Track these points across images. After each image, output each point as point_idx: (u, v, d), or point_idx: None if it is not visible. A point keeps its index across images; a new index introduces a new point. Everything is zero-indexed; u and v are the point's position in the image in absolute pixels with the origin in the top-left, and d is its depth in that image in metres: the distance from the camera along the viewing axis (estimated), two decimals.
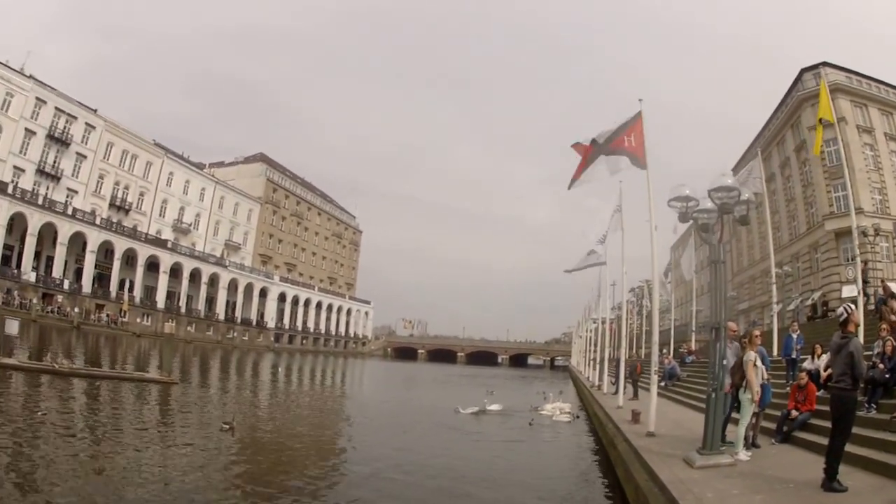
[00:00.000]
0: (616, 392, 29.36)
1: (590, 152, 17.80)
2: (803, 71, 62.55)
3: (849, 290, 41.34)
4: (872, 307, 27.21)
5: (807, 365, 18.30)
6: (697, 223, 14.04)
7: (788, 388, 17.52)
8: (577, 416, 32.74)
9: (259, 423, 23.77)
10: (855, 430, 11.80)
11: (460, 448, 21.28)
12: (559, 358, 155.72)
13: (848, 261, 52.06)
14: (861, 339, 20.13)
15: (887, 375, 14.55)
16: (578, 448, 23.58)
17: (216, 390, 36.03)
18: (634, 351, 75.79)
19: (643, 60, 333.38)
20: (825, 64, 58.79)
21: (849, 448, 10.98)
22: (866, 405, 14.25)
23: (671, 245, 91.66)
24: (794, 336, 21.96)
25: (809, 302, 58.28)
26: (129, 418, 21.27)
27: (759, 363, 14.10)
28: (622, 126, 17.67)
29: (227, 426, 19.88)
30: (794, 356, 21.46)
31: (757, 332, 15.18)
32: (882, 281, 33.76)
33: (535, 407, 34.69)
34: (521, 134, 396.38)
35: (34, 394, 23.53)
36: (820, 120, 25.47)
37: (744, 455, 13.27)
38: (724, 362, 13.36)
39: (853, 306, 10.77)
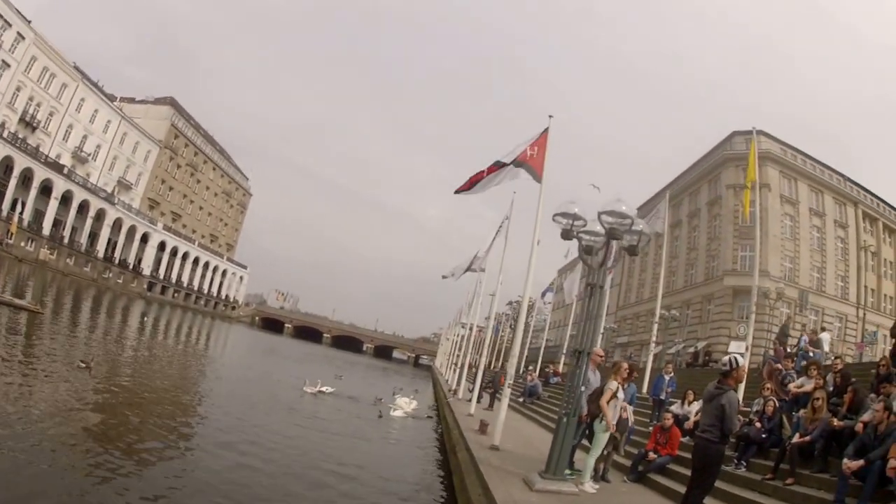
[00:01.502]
0: (471, 400, 28.90)
1: (493, 172, 17.65)
2: (735, 133, 63.83)
3: (736, 346, 41.78)
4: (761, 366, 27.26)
5: (675, 409, 17.99)
6: (581, 243, 13.50)
7: (651, 429, 17.10)
8: (430, 417, 32.80)
9: (118, 370, 23.90)
10: (721, 485, 11.57)
11: (304, 436, 20.04)
12: (425, 357, 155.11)
13: (742, 318, 52.73)
14: (741, 395, 19.89)
15: (764, 435, 14.09)
16: (421, 450, 23.08)
17: (82, 328, 36.35)
18: (501, 363, 75.67)
19: (571, 86, 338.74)
20: (760, 132, 59.58)
21: (708, 501, 10.44)
22: (735, 461, 13.88)
23: (559, 268, 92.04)
24: (667, 378, 21.70)
25: (692, 349, 58.95)
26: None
27: (619, 394, 13.40)
28: (528, 140, 17.47)
29: (84, 364, 20.60)
30: (662, 397, 21.24)
31: (626, 365, 14.32)
32: (774, 342, 33.92)
33: (379, 398, 34.50)
34: (429, 130, 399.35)
35: None
36: (749, 185, 25.09)
37: (590, 487, 12.69)
38: (583, 388, 12.92)
39: (741, 360, 10.02)
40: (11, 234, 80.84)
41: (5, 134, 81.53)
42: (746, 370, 21.04)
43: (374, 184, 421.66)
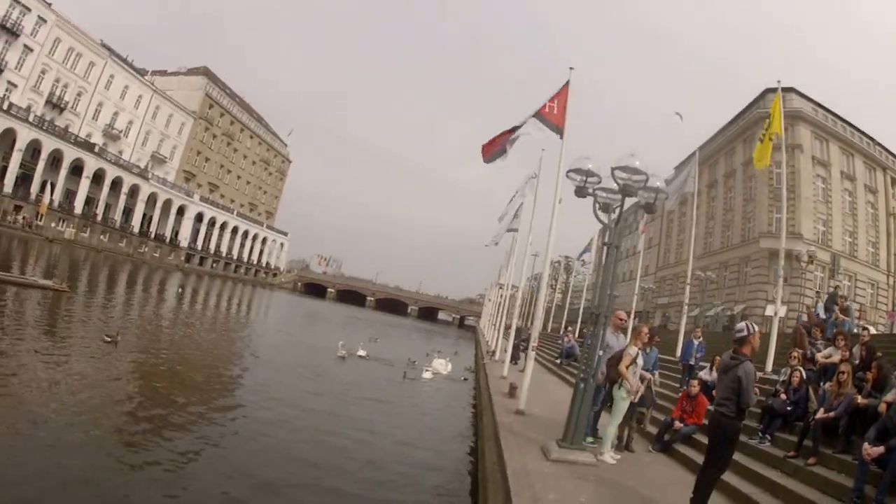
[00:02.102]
0: (513, 361, 28.81)
1: (512, 135, 16.84)
2: (767, 91, 62.42)
3: (771, 310, 41.04)
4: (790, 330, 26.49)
5: (703, 374, 17.08)
6: (597, 201, 12.82)
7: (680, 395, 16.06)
8: (466, 379, 32.17)
9: (151, 343, 24.38)
10: (743, 460, 10.98)
11: (326, 402, 19.83)
12: (470, 318, 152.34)
13: (784, 281, 51.71)
14: (770, 364, 19.15)
15: (789, 408, 13.01)
16: (451, 413, 22.78)
17: (114, 303, 36.62)
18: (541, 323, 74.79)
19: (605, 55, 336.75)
20: (792, 89, 58.43)
21: (729, 478, 9.98)
22: (760, 434, 12.90)
23: (600, 228, 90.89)
24: (696, 342, 20.88)
25: (729, 312, 58.02)
26: (12, 324, 21.37)
27: (639, 360, 12.78)
28: (551, 96, 16.57)
29: (110, 339, 20.70)
30: (691, 362, 20.43)
31: (646, 329, 13.77)
32: (808, 307, 33.07)
33: (412, 361, 33.89)
34: (467, 97, 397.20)
35: None
36: (771, 137, 23.95)
37: (609, 457, 12.07)
38: (601, 352, 12.23)
39: (755, 326, 9.12)
40: (41, 215, 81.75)
41: (31, 118, 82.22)
42: (776, 336, 20.62)
43: (416, 150, 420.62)
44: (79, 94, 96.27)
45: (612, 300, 12.25)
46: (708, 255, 68.19)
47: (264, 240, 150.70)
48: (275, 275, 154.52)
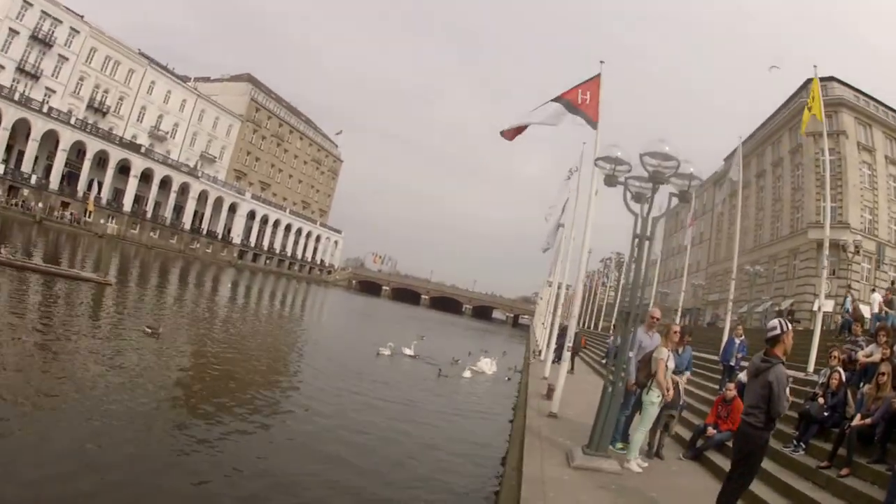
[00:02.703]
0: (555, 361, 27.83)
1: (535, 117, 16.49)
2: (808, 81, 61.10)
3: (818, 305, 39.71)
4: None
5: (742, 377, 15.14)
6: (629, 190, 12.02)
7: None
8: (509, 379, 31.53)
9: (197, 336, 25.14)
10: (773, 469, 10.38)
11: (362, 401, 19.42)
12: (525, 317, 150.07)
13: (832, 273, 50.27)
14: (812, 364, 18.18)
15: (826, 413, 11.84)
16: (488, 414, 22.21)
17: (164, 297, 37.76)
18: (593, 322, 74.03)
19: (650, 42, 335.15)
20: (833, 78, 57.21)
21: (757, 489, 9.38)
22: (794, 441, 11.80)
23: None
24: (738, 341, 19.64)
25: (777, 308, 56.78)
26: (58, 315, 22.50)
27: (670, 362, 11.92)
28: (579, 83, 16.24)
29: (151, 330, 21.12)
30: (732, 363, 19.11)
31: (676, 327, 12.83)
32: (853, 301, 31.94)
33: (456, 360, 33.59)
34: (518, 88, 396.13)
35: None
36: (812, 108, 23.00)
37: (636, 465, 11.44)
38: (632, 354, 11.73)
39: (789, 324, 8.08)
40: (89, 211, 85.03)
41: (72, 121, 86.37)
42: (818, 333, 19.60)
43: (471, 147, 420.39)
44: (121, 99, 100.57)
45: (645, 297, 11.65)
46: (758, 248, 66.70)
47: (318, 237, 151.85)
48: (329, 272, 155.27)
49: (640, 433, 11.74)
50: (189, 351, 21.13)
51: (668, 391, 11.66)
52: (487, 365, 32.43)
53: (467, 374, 29.91)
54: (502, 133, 16.64)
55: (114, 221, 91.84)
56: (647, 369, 11.79)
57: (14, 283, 26.95)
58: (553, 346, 29.43)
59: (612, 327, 47.82)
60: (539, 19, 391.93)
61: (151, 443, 11.36)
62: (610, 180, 12.19)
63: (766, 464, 9.79)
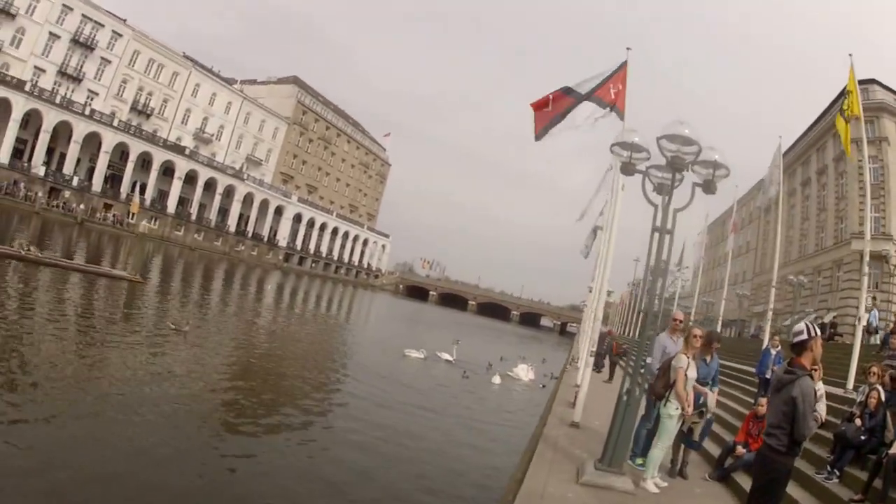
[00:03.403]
0: (596, 368, 27.11)
1: (566, 103, 15.34)
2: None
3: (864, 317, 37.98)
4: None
5: None
6: (649, 179, 10.92)
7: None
8: (544, 386, 30.47)
9: (229, 335, 25.79)
10: (802, 499, 9.42)
11: (381, 405, 18.90)
12: (573, 325, 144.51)
13: (872, 286, 48.43)
14: (851, 380, 16.80)
15: (863, 437, 10.43)
16: (514, 422, 21.40)
17: (207, 299, 38.35)
18: (628, 329, 72.69)
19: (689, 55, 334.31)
20: (874, 81, 55.75)
21: None
22: (829, 468, 10.30)
23: (698, 232, 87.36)
24: (773, 352, 18.32)
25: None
26: (98, 311, 23.21)
27: (691, 372, 10.34)
28: (608, 76, 15.57)
29: (175, 328, 21.28)
30: (768, 376, 17.43)
31: (697, 332, 11.04)
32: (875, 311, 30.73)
33: (490, 365, 32.87)
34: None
35: None
36: (849, 113, 22.01)
37: (652, 484, 10.24)
38: (648, 360, 10.81)
39: (817, 329, 6.83)
40: (133, 213, 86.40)
41: (115, 123, 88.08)
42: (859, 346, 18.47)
43: (520, 154, 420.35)
44: (164, 101, 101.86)
45: (687, 306, 10.75)
46: (802, 259, 65.07)
47: (365, 241, 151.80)
48: (376, 276, 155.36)
49: (657, 449, 10.48)
50: (224, 352, 21.14)
51: (688, 405, 10.33)
52: (524, 371, 31.86)
53: (497, 380, 29.10)
54: (535, 132, 15.93)
55: (157, 223, 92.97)
56: (666, 378, 10.54)
57: (46, 279, 27.47)
58: (588, 351, 28.65)
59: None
60: (587, 31, 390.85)
61: (188, 443, 11.51)
62: (627, 168, 11.12)
63: (795, 490, 9.09)
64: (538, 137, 15.66)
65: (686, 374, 10.19)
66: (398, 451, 14.23)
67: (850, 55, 22.50)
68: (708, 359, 11.43)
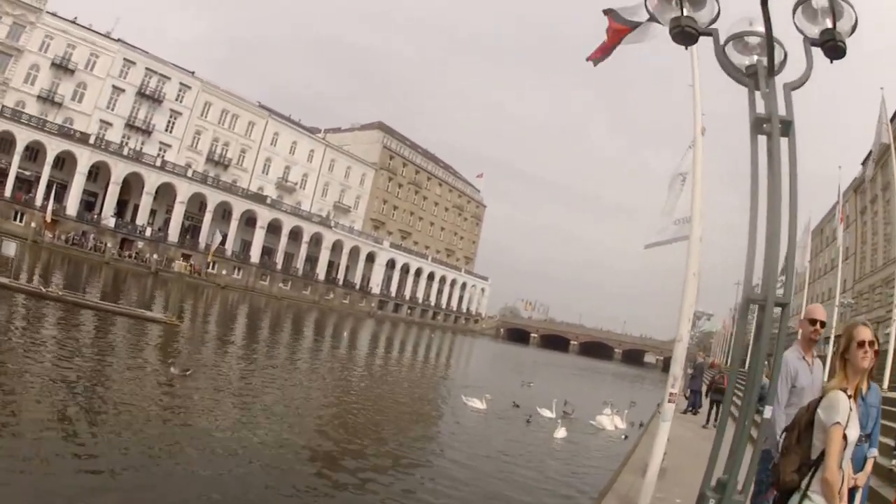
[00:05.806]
0: (689, 411, 24.75)
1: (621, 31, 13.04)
2: None
3: None
4: None
5: None
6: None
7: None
8: (626, 437, 24.06)
9: (323, 385, 24.76)
10: None
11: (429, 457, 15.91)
12: None
13: None
14: None
15: None
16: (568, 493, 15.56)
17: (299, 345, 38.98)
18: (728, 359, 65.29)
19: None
20: None
21: None
22: None
23: (811, 229, 66.19)
24: None
25: None
26: (124, 355, 21.53)
27: (853, 426, 4.43)
28: None
29: (178, 371, 19.45)
30: None
31: (867, 336, 4.93)
32: None
33: (569, 412, 26.66)
34: (656, 126, 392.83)
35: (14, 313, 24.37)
36: None
37: None
38: (769, 408, 4.64)
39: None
40: (211, 263, 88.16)
41: (189, 173, 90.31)
42: None
43: (618, 185, 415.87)
44: (243, 151, 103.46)
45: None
46: None
47: (463, 285, 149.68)
48: (476, 321, 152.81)
49: None
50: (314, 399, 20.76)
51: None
52: (608, 420, 25.84)
53: (561, 433, 22.25)
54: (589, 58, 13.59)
55: (241, 273, 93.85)
56: (803, 446, 4.67)
57: (69, 319, 26.37)
58: (676, 388, 23.19)
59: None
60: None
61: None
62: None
63: None
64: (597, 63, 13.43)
65: (845, 435, 4.43)
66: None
67: None
68: (865, 391, 5.91)
